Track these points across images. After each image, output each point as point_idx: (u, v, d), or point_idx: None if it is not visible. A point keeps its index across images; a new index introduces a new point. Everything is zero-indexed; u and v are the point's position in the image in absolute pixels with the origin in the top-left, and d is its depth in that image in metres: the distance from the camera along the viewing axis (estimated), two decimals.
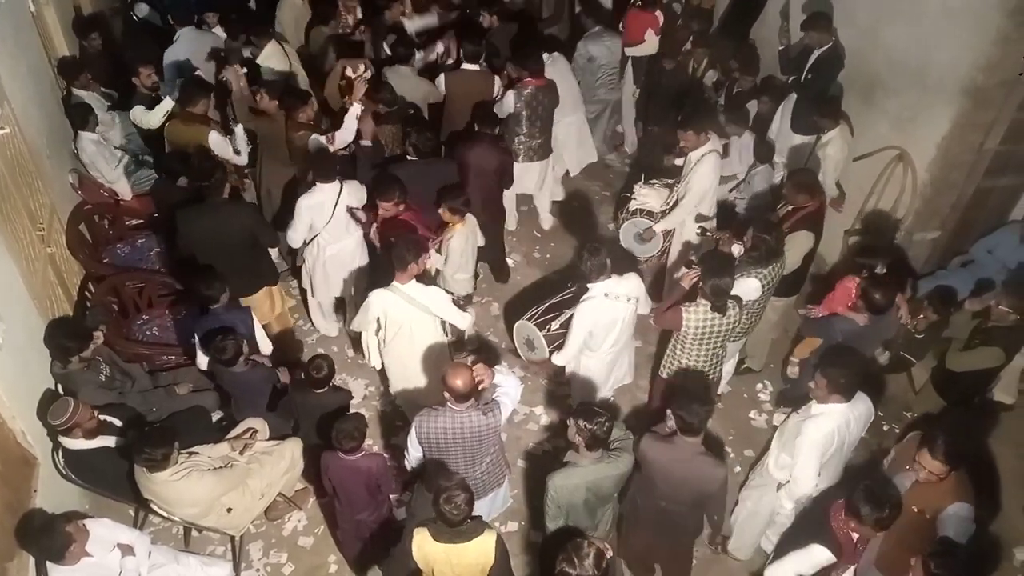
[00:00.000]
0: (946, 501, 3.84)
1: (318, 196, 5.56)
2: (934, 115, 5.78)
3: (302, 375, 4.79)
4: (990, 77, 5.41)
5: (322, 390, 4.79)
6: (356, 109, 6.13)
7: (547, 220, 7.69)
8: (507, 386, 4.33)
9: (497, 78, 6.82)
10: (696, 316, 4.73)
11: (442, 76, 6.70)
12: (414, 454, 4.38)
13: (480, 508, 4.32)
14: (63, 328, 5.03)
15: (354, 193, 5.71)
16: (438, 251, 5.62)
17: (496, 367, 4.42)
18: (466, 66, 6.72)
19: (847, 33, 6.30)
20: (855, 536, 3.84)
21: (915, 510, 3.89)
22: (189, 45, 7.32)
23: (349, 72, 6.43)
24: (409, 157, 5.95)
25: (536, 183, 7.26)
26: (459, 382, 4.05)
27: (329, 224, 5.63)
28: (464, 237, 5.68)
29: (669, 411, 4.21)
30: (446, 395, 4.12)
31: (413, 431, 4.27)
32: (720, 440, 5.86)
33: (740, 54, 7.28)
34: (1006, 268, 5.76)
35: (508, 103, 6.63)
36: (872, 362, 5.35)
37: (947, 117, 5.70)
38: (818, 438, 4.20)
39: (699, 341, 4.84)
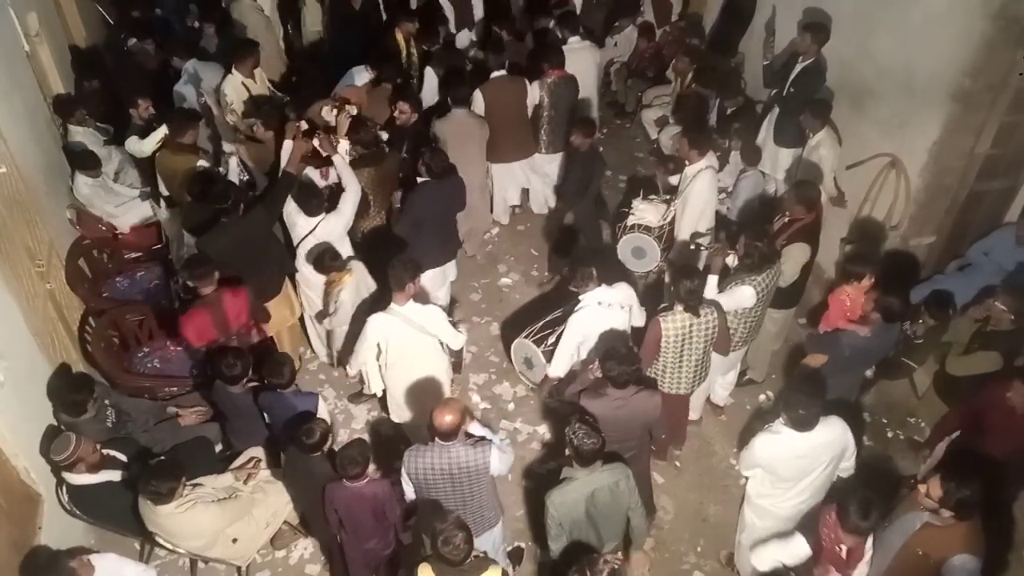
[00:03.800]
0: (953, 550, 3.69)
1: (299, 222, 5.55)
2: (924, 121, 5.81)
3: (298, 434, 4.40)
4: (977, 81, 5.45)
5: (316, 455, 4.46)
6: (344, 146, 6.02)
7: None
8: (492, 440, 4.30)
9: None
10: (674, 323, 4.81)
11: (478, 92, 6.70)
12: (407, 489, 4.35)
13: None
14: (65, 383, 5.03)
15: (334, 227, 5.64)
16: (327, 307, 5.55)
17: (486, 431, 4.35)
18: (495, 74, 6.82)
19: (835, 43, 6.35)
20: (843, 548, 3.84)
21: (920, 553, 3.82)
22: (197, 77, 7.34)
23: (325, 114, 6.32)
24: (420, 178, 5.90)
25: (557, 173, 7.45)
26: (446, 419, 4.02)
27: (300, 249, 5.62)
28: (355, 288, 5.54)
29: (595, 363, 4.59)
30: (434, 430, 4.09)
31: (403, 467, 4.23)
32: (712, 444, 5.86)
33: (720, 77, 7.41)
34: (1003, 270, 5.76)
35: (533, 93, 6.84)
36: (854, 388, 5.41)
37: (937, 122, 5.73)
38: (763, 453, 4.34)
39: (677, 347, 4.89)
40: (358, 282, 5.60)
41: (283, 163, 5.85)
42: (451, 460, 4.11)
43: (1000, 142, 5.81)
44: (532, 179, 7.54)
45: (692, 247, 6.08)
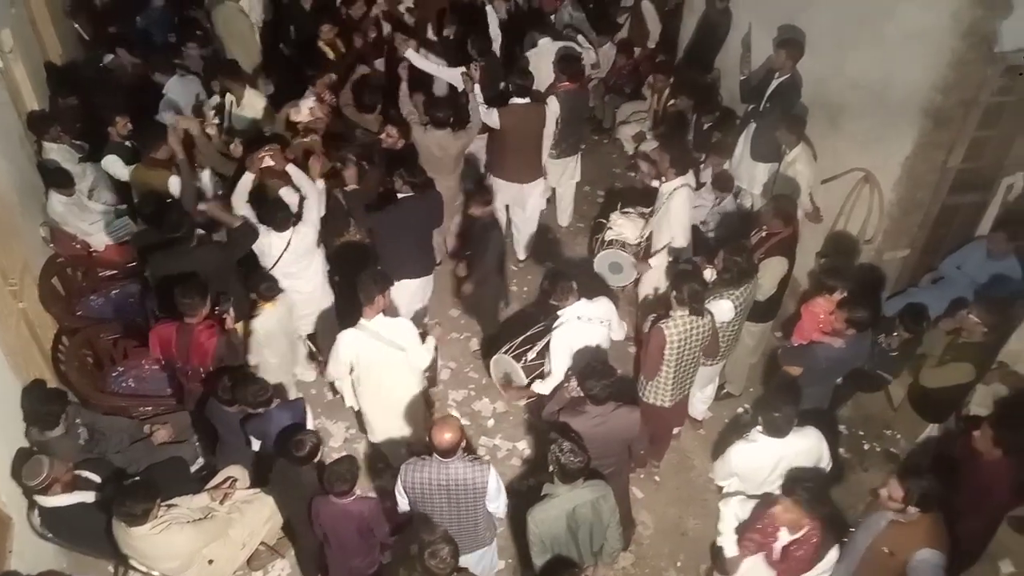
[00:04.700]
0: (916, 545, 3.76)
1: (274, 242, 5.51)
2: (897, 136, 5.89)
3: (288, 446, 4.41)
4: (948, 98, 5.54)
5: (305, 467, 4.47)
6: (320, 185, 5.92)
7: (567, 216, 8.02)
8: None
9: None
10: (677, 327, 4.82)
11: (495, 112, 6.63)
12: (401, 502, 4.34)
13: (465, 563, 4.23)
14: (37, 395, 4.95)
15: (306, 235, 5.61)
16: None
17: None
18: (515, 100, 6.73)
19: (810, 60, 6.42)
20: (776, 538, 4.00)
21: (886, 551, 3.88)
22: (178, 95, 7.29)
23: (293, 115, 6.31)
24: (401, 194, 5.84)
25: (566, 176, 7.63)
26: (446, 436, 4.01)
27: (275, 268, 5.56)
28: (275, 319, 5.39)
29: (572, 381, 4.66)
30: (433, 447, 4.08)
31: (399, 480, 4.22)
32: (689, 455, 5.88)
33: (698, 92, 7.52)
34: (975, 283, 5.83)
35: (553, 107, 6.84)
36: (826, 397, 5.46)
37: (910, 138, 5.81)
38: (739, 462, 4.43)
39: (680, 352, 4.90)
40: (280, 315, 5.44)
41: (237, 193, 5.75)
42: (449, 476, 4.11)
43: (972, 157, 5.90)
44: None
45: (670, 259, 6.10)
